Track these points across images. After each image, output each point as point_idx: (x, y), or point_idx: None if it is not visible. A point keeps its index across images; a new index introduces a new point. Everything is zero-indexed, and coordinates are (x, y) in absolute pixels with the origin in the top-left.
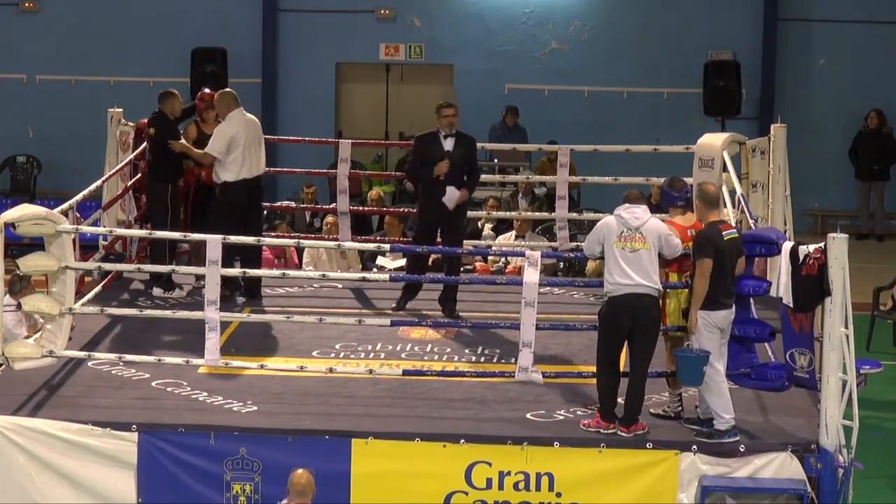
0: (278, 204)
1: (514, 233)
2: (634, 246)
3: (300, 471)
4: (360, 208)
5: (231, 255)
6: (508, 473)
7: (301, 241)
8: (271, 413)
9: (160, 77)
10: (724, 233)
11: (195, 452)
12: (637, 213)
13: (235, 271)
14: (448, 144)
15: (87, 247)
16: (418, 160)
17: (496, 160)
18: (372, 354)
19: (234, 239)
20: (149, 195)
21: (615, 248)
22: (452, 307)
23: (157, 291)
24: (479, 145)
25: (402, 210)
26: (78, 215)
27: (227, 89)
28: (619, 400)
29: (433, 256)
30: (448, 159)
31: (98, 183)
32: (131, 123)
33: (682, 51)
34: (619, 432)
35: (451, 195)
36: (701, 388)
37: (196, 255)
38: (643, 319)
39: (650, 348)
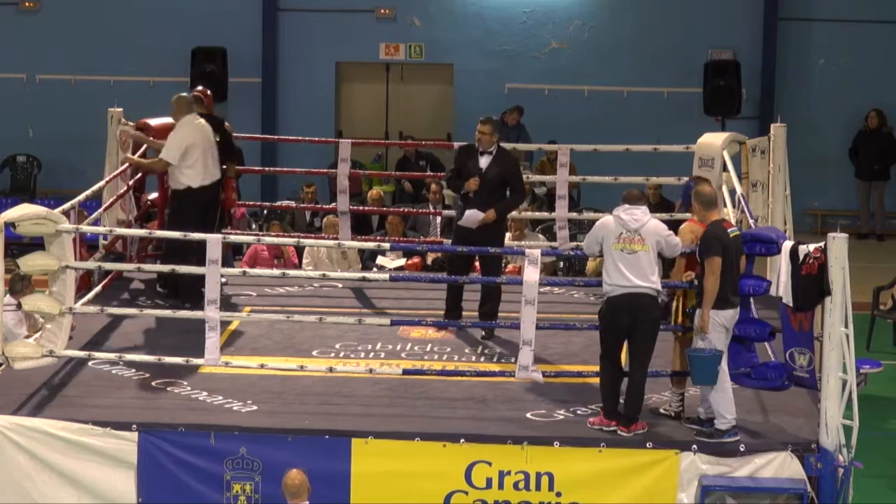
0: (278, 204)
1: (509, 234)
2: (633, 248)
3: (293, 472)
4: (360, 208)
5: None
6: (508, 473)
7: (301, 240)
8: (271, 413)
9: (160, 77)
10: (727, 231)
11: (195, 452)
12: (636, 215)
13: (235, 271)
14: (483, 161)
15: (87, 247)
16: (456, 171)
17: None
18: (372, 354)
19: (233, 238)
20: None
21: (613, 249)
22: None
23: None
24: None
25: (402, 210)
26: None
27: (184, 94)
28: (621, 400)
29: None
30: (479, 177)
31: (98, 186)
32: (131, 123)
33: (682, 51)
34: (619, 432)
35: (469, 217)
36: (705, 388)
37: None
38: (642, 318)
39: (649, 347)
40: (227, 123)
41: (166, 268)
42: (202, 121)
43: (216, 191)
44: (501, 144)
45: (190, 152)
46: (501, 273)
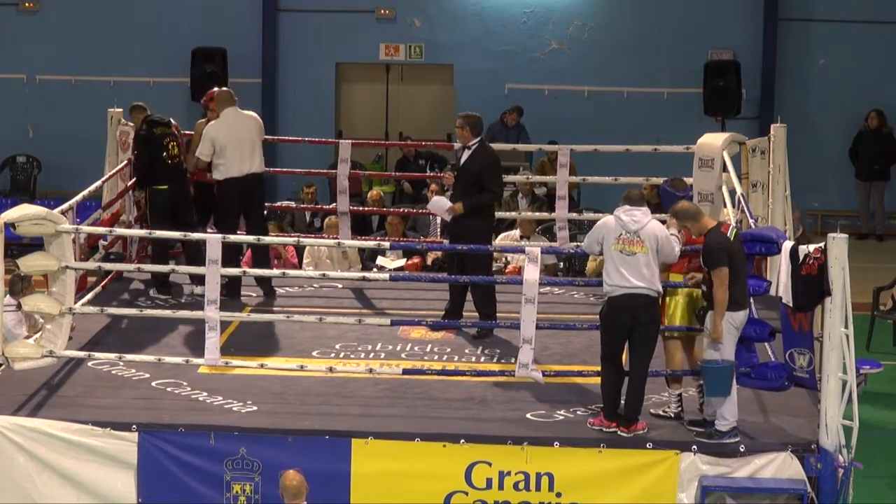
0: (278, 204)
1: (517, 232)
2: (632, 249)
3: (290, 472)
4: (361, 208)
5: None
6: (508, 473)
7: (301, 240)
8: (271, 413)
9: (160, 77)
10: (727, 235)
11: (195, 452)
12: (637, 216)
13: (235, 271)
14: (464, 157)
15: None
16: (452, 168)
17: None
18: (372, 354)
19: (233, 238)
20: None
21: (613, 250)
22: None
23: (153, 292)
24: None
25: (402, 210)
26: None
27: (225, 88)
28: (622, 401)
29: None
30: (456, 171)
31: (98, 183)
32: (131, 123)
33: (682, 51)
34: (618, 432)
35: (434, 203)
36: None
37: (188, 255)
38: (642, 318)
39: (650, 347)
40: (173, 123)
41: (166, 267)
42: (247, 114)
43: (246, 185)
44: (489, 144)
45: (217, 147)
46: (490, 272)
